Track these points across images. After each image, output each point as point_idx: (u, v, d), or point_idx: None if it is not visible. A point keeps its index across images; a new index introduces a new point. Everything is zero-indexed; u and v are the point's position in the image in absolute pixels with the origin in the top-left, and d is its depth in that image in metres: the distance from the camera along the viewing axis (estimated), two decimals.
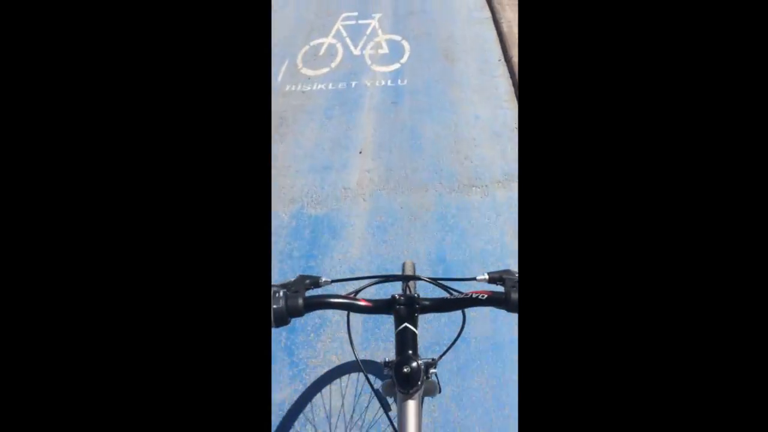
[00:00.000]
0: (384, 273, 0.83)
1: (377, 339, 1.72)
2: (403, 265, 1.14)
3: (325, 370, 1.63)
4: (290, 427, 1.51)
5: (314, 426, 1.50)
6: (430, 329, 1.72)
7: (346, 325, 0.78)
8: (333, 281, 0.78)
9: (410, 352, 0.70)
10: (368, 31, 3.63)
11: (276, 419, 1.53)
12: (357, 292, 0.77)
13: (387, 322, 1.65)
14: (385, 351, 1.68)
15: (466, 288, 0.82)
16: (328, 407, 1.54)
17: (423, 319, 1.75)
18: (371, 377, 1.42)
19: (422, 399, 0.70)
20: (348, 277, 0.84)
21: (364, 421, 1.50)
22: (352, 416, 1.51)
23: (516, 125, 2.59)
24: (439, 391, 0.87)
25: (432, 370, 0.79)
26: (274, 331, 1.65)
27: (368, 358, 1.64)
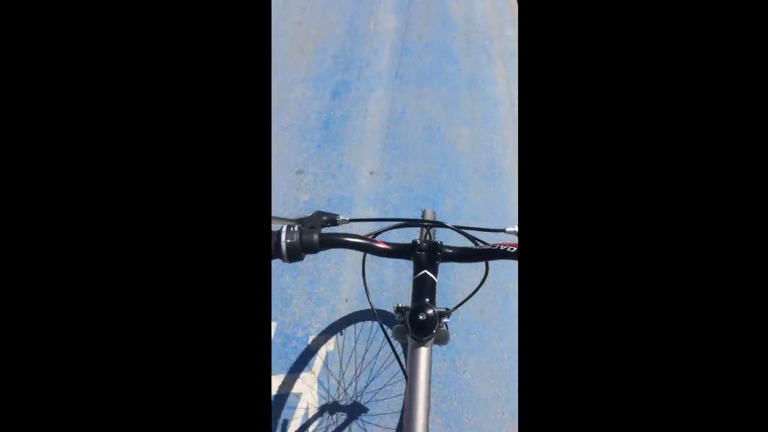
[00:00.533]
0: (405, 218, 0.78)
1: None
2: (423, 212, 1.09)
3: (341, 313, 1.64)
4: (304, 367, 1.53)
5: (327, 366, 1.52)
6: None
7: (361, 266, 0.75)
8: (351, 220, 0.74)
9: (427, 300, 0.66)
10: None
11: (289, 359, 1.55)
12: (376, 234, 0.73)
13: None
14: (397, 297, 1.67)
15: (491, 239, 0.77)
16: (341, 349, 1.56)
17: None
18: (384, 324, 1.41)
19: (432, 347, 0.67)
20: (367, 217, 0.80)
21: (375, 365, 1.51)
22: (363, 359, 1.52)
23: None
24: (449, 340, 0.85)
25: (444, 320, 0.76)
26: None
27: (382, 307, 1.64)
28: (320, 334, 1.60)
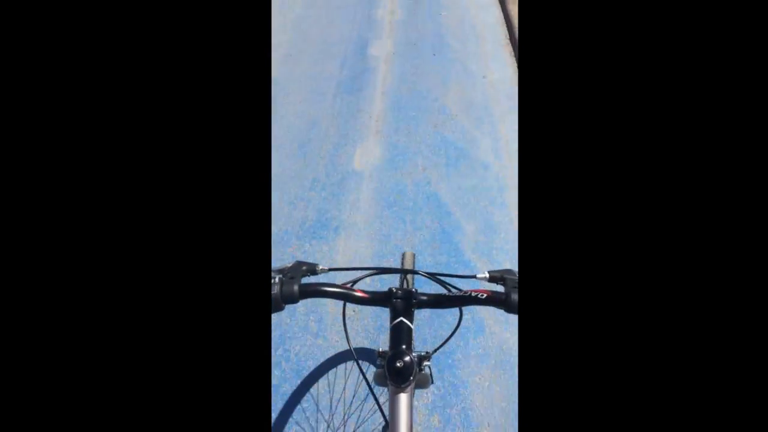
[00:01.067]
0: (382, 266, 0.81)
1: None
2: (403, 255, 1.12)
3: (322, 359, 1.64)
4: (285, 415, 1.51)
5: (305, 413, 1.51)
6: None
7: (341, 314, 0.77)
8: (330, 269, 0.77)
9: (404, 346, 0.69)
10: None
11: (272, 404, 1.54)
12: (354, 282, 0.76)
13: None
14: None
15: (465, 285, 0.81)
16: (322, 395, 1.55)
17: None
18: (367, 364, 1.42)
19: (414, 391, 0.69)
20: (346, 266, 0.83)
21: (356, 409, 1.50)
22: (344, 403, 1.51)
23: None
24: (432, 383, 0.86)
25: (425, 363, 0.78)
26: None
27: (366, 345, 1.64)
28: (305, 377, 1.59)
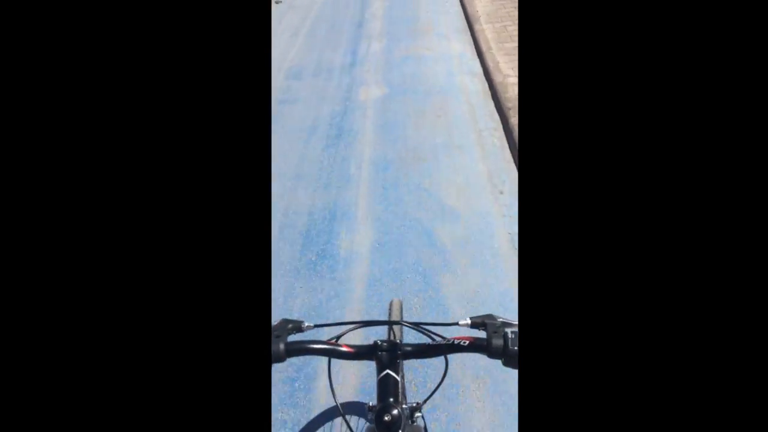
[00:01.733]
0: (366, 319, 0.83)
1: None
2: (390, 303, 1.14)
3: (309, 415, 1.60)
4: None
5: None
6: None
7: (327, 371, 0.78)
8: (315, 326, 0.78)
9: (391, 399, 0.69)
10: None
11: None
12: (338, 337, 0.77)
13: None
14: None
15: (448, 333, 0.83)
16: None
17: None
18: (357, 419, 1.39)
19: None
20: (331, 322, 0.84)
21: None
22: None
23: None
24: None
25: (417, 414, 0.78)
26: None
27: (354, 399, 1.61)
28: None
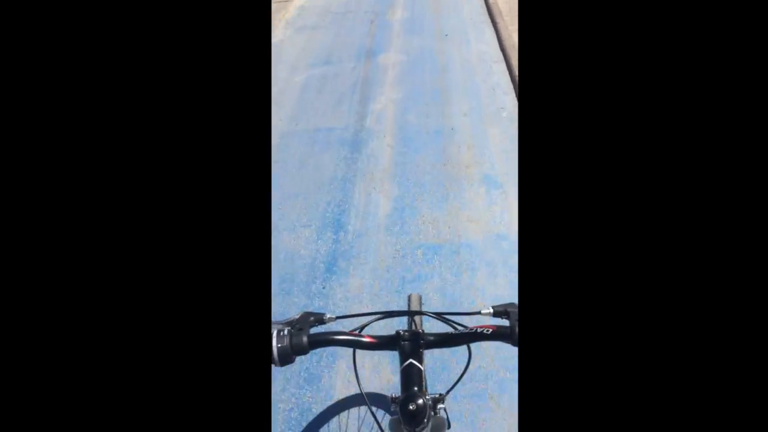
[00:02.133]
0: (388, 309, 0.83)
1: None
2: (409, 297, 1.14)
3: (332, 403, 1.61)
4: None
5: None
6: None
7: (352, 361, 0.78)
8: (337, 317, 0.79)
9: (415, 388, 0.69)
10: None
11: None
12: (362, 328, 0.77)
13: None
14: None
15: (470, 321, 0.82)
16: None
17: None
18: (380, 412, 1.40)
19: None
20: (353, 313, 0.84)
21: None
22: None
23: None
24: (449, 427, 0.86)
25: (440, 406, 0.78)
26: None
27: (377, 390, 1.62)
28: (312, 421, 1.55)
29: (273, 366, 0.67)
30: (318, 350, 0.73)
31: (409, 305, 1.11)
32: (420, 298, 1.13)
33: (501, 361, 1.69)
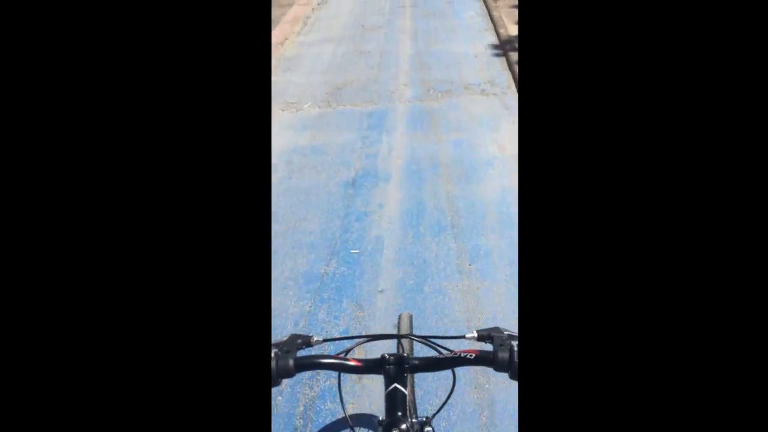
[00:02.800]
0: (374, 333, 0.83)
1: None
2: (399, 317, 1.15)
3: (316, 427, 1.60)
4: None
5: None
6: None
7: (337, 385, 0.79)
8: (325, 340, 0.79)
9: (399, 413, 0.70)
10: None
11: None
12: (347, 351, 0.78)
13: None
14: None
15: (455, 345, 0.83)
16: None
17: None
18: None
19: None
20: (340, 336, 0.85)
21: None
22: None
23: None
24: None
25: (427, 429, 0.79)
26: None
27: (363, 411, 1.61)
28: None
29: None
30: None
31: (399, 325, 1.12)
32: (410, 317, 1.14)
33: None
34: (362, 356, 0.77)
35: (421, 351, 0.84)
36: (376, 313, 1.94)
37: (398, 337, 0.86)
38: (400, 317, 1.15)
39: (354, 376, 1.69)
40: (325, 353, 0.74)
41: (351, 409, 1.61)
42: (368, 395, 1.67)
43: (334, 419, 1.61)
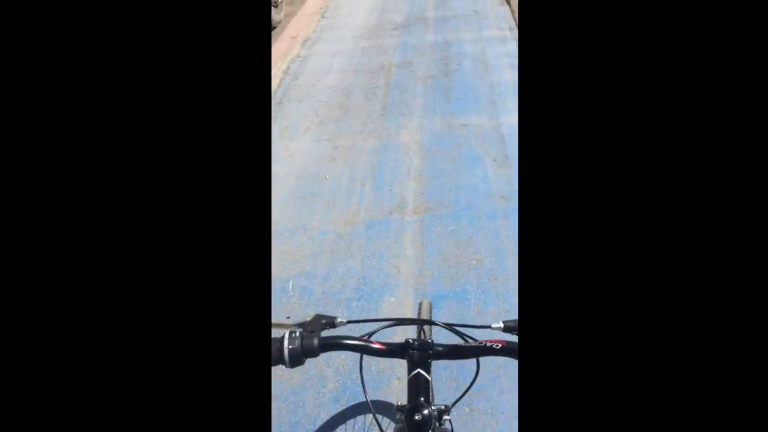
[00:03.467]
0: (399, 317, 0.83)
1: None
2: (420, 304, 1.14)
3: (336, 410, 1.61)
4: None
5: None
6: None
7: (359, 366, 0.79)
8: (349, 322, 0.79)
9: (422, 398, 0.70)
10: None
11: None
12: (371, 334, 0.78)
13: None
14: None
15: (480, 335, 0.82)
16: None
17: None
18: (385, 420, 1.40)
19: None
20: (364, 318, 0.85)
21: None
22: None
23: None
24: None
25: (445, 417, 0.78)
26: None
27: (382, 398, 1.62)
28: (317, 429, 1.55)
29: (283, 367, 0.68)
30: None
31: (419, 313, 1.11)
32: (430, 305, 1.13)
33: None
34: (386, 340, 0.76)
35: (442, 340, 0.84)
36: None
37: (423, 322, 0.85)
38: (420, 304, 1.14)
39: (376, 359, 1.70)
40: (349, 335, 0.74)
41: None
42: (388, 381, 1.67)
43: (354, 402, 1.62)
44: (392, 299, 1.94)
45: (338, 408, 1.62)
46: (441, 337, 0.80)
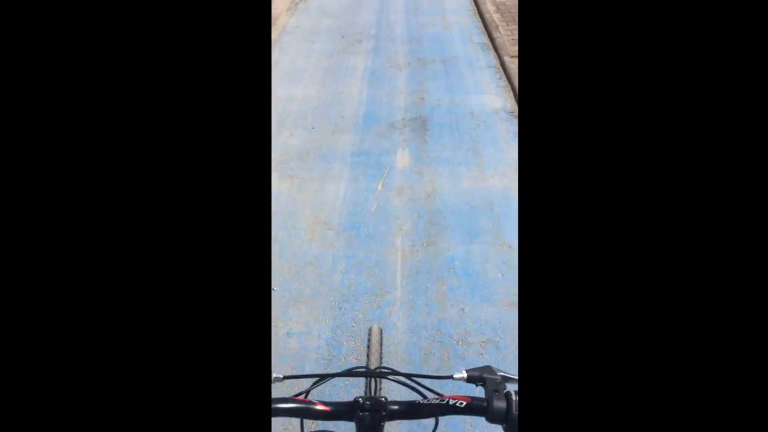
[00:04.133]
0: (345, 370, 0.71)
1: None
2: (369, 330, 1.02)
3: None
4: None
5: None
6: None
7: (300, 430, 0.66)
8: (285, 377, 0.67)
9: None
10: None
11: None
12: (307, 392, 0.66)
13: None
14: None
15: (439, 387, 0.72)
16: None
17: None
18: None
19: None
20: (303, 373, 0.73)
21: None
22: None
23: None
24: None
25: None
26: None
27: None
28: None
29: None
30: None
31: (369, 338, 0.99)
32: (381, 332, 1.01)
33: None
34: (329, 398, 0.64)
35: (400, 391, 0.72)
36: None
37: (374, 374, 0.73)
38: (370, 330, 1.02)
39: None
40: (285, 396, 0.61)
41: None
42: None
43: None
44: None
45: None
46: (396, 390, 0.68)
